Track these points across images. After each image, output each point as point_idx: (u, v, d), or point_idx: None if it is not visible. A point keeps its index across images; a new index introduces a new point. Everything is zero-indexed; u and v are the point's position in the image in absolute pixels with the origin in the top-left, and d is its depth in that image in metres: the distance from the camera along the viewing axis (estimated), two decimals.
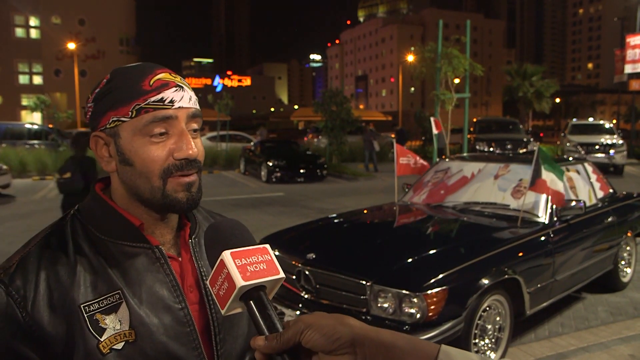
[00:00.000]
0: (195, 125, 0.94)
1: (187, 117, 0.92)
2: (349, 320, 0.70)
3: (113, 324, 0.86)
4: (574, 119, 24.25)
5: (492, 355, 3.58)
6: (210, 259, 0.79)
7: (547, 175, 4.21)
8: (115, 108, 0.90)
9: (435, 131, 10.07)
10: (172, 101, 0.90)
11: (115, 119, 0.90)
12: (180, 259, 0.98)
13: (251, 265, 0.75)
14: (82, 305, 0.86)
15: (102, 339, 0.85)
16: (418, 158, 6.00)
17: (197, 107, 0.95)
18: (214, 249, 0.79)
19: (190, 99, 0.93)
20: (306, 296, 3.59)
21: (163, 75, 0.92)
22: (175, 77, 0.93)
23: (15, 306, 0.84)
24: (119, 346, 0.86)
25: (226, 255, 0.75)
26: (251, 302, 0.74)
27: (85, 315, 0.85)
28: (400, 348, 0.66)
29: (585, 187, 5.17)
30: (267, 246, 0.80)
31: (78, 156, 6.02)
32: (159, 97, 0.89)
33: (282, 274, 0.76)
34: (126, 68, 0.94)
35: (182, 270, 0.97)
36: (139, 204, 0.95)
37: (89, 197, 0.99)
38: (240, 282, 0.72)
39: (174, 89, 0.91)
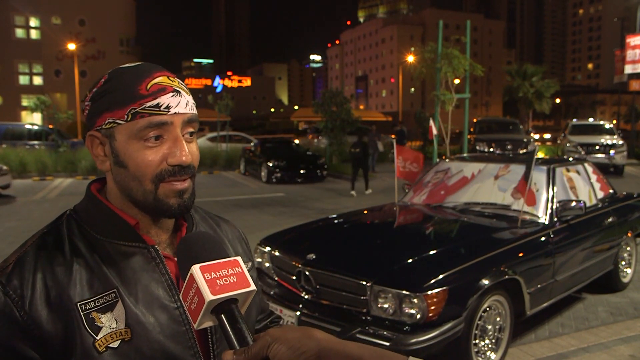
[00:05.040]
0: (191, 129, 0.94)
1: (182, 123, 0.92)
2: (315, 333, 0.70)
3: (109, 323, 0.87)
4: (574, 120, 24.21)
5: (493, 355, 3.58)
6: (182, 274, 0.79)
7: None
8: (112, 110, 0.90)
9: (434, 133, 10.28)
10: (168, 107, 0.90)
11: (111, 120, 0.90)
12: (175, 258, 0.98)
13: (221, 279, 0.74)
14: (78, 304, 0.86)
15: (98, 337, 0.85)
16: (410, 162, 5.97)
17: (194, 111, 0.95)
18: (185, 263, 0.79)
19: (187, 104, 0.93)
20: (306, 297, 3.59)
21: (161, 80, 0.91)
22: (173, 82, 0.93)
23: (13, 305, 0.84)
24: (115, 344, 0.86)
25: (195, 269, 0.75)
26: (222, 315, 0.74)
27: (82, 314, 0.86)
28: None
29: (585, 187, 5.17)
30: (239, 258, 0.79)
31: (360, 141, 12.20)
32: (155, 102, 0.89)
33: (252, 287, 0.76)
34: (124, 69, 0.94)
35: (178, 270, 0.97)
36: (133, 205, 0.95)
37: (85, 197, 0.99)
38: (209, 296, 0.72)
39: (171, 94, 0.91)
